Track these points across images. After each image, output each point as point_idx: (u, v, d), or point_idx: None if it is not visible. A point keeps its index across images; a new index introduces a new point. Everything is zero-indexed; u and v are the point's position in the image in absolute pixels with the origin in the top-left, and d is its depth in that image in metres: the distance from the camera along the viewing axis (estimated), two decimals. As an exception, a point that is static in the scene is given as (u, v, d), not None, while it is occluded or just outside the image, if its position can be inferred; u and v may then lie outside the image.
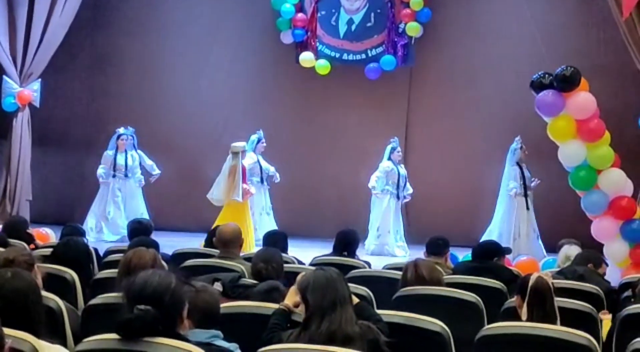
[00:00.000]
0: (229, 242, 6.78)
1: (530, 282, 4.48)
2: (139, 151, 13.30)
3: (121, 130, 13.13)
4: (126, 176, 13.07)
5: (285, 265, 6.23)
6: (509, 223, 12.05)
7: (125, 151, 13.06)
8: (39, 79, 13.45)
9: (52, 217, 13.25)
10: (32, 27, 13.09)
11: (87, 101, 15.04)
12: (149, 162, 13.28)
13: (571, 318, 4.67)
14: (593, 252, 7.15)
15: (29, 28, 13.10)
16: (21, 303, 3.52)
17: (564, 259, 7.66)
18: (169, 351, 3.27)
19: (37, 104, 13.50)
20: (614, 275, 8.90)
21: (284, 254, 7.34)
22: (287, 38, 14.29)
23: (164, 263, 5.21)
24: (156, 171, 13.28)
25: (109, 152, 13.08)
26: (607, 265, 7.17)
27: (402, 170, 12.68)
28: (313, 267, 6.11)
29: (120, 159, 13.02)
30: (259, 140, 12.87)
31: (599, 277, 6.50)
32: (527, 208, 11.97)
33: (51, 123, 14.66)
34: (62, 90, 14.75)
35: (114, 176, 13.08)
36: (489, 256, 6.82)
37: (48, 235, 10.87)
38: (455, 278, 6.13)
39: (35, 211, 13.52)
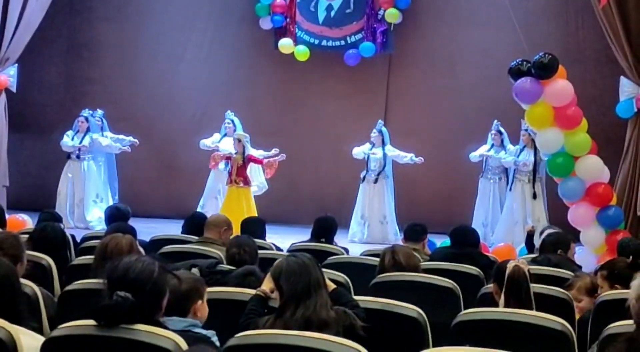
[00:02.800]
0: (213, 227, 6.83)
1: (507, 271, 4.49)
2: (105, 134, 13.10)
3: (84, 112, 13.05)
4: (78, 157, 12.98)
5: (263, 251, 6.25)
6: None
7: (86, 133, 12.94)
8: (16, 64, 13.33)
9: (29, 203, 13.17)
10: (9, 11, 12.92)
11: (64, 87, 14.94)
12: (104, 143, 12.99)
13: (547, 304, 4.70)
14: (560, 235, 7.14)
15: (5, 12, 12.93)
16: (4, 290, 3.51)
17: None
18: (147, 337, 3.27)
19: (13, 89, 13.38)
20: (589, 261, 8.98)
21: (262, 241, 7.37)
22: (266, 24, 14.24)
23: (141, 249, 5.21)
24: (121, 144, 13.07)
25: (69, 133, 13.03)
26: (574, 242, 7.21)
27: (374, 154, 12.65)
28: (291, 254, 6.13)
29: (76, 140, 12.94)
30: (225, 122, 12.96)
31: (573, 265, 6.53)
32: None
33: (28, 108, 14.55)
34: (39, 76, 14.64)
35: (68, 157, 13.04)
36: (466, 242, 6.84)
37: (25, 221, 10.80)
38: (432, 264, 6.16)
39: (12, 197, 13.43)
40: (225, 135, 12.91)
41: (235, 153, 12.07)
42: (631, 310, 3.54)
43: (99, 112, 13.26)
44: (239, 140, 12.05)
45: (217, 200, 12.78)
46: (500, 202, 12.40)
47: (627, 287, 4.89)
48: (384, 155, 12.64)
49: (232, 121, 12.88)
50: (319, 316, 3.92)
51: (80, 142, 12.89)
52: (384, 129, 12.77)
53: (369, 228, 12.64)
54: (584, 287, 5.36)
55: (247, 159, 12.03)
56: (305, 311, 3.92)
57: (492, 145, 12.44)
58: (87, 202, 12.92)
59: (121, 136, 13.12)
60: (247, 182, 12.04)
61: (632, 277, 4.90)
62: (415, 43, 14.12)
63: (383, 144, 12.69)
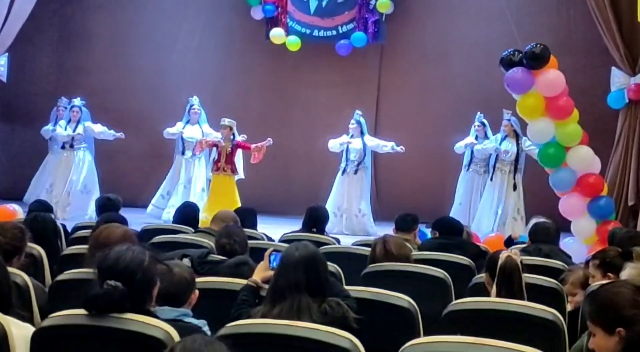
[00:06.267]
0: (220, 222, 6.81)
1: (500, 261, 4.50)
2: (85, 124, 12.94)
3: (76, 101, 12.95)
4: (72, 146, 12.91)
5: (254, 241, 6.24)
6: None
7: (78, 123, 12.84)
8: (6, 54, 13.29)
9: (19, 194, 13.15)
10: (-1, 0, 12.91)
11: (55, 76, 14.90)
12: (97, 130, 12.90)
13: (538, 294, 4.71)
14: (548, 225, 7.15)
15: (-5, 1, 12.92)
16: None
17: None
18: (137, 326, 3.27)
19: (4, 78, 13.34)
20: (580, 251, 9.01)
21: (253, 231, 7.36)
22: (257, 14, 14.21)
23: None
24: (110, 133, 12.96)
25: (61, 123, 12.91)
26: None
27: (352, 144, 12.50)
28: (283, 244, 6.12)
29: (69, 130, 12.84)
30: (190, 108, 12.85)
31: (563, 255, 6.56)
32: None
33: (18, 98, 14.51)
34: (30, 65, 14.60)
35: (62, 147, 12.95)
36: (453, 232, 6.84)
37: (15, 211, 10.76)
38: (423, 254, 6.16)
39: (3, 186, 13.41)
40: (188, 122, 12.83)
41: (223, 140, 11.98)
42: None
43: (64, 100, 13.13)
44: (230, 128, 11.97)
45: (186, 189, 12.74)
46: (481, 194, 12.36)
47: (619, 275, 4.94)
48: (364, 145, 12.52)
49: (199, 107, 12.85)
50: (311, 310, 3.89)
51: (74, 131, 12.82)
52: (362, 119, 12.64)
53: (346, 220, 12.49)
54: (578, 281, 5.37)
55: (236, 146, 11.98)
56: (300, 306, 3.89)
57: (476, 137, 12.35)
58: (78, 191, 12.85)
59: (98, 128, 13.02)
60: (234, 170, 11.99)
61: (624, 266, 4.95)
62: (406, 33, 14.11)
63: (362, 134, 12.60)
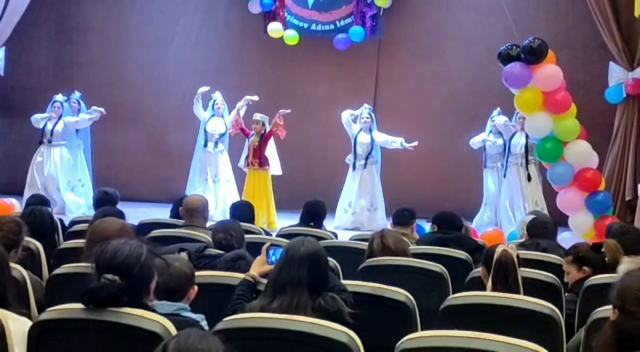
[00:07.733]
0: (195, 212, 6.77)
1: (495, 256, 4.50)
2: (65, 119, 12.74)
3: (58, 97, 12.85)
4: (50, 142, 12.73)
5: (251, 236, 6.24)
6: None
7: (59, 118, 12.71)
8: (3, 47, 13.27)
9: (17, 187, 13.13)
10: (-4, -7, 12.89)
11: (52, 70, 14.87)
12: (73, 120, 12.66)
13: (535, 288, 4.72)
14: (545, 220, 7.16)
15: (-8, -5, 12.89)
16: None
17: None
18: (135, 320, 3.27)
19: (1, 72, 13.34)
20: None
21: (251, 225, 7.36)
22: (255, 8, 14.18)
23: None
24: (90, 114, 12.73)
25: (43, 116, 12.75)
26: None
27: (361, 138, 12.46)
28: (280, 238, 6.12)
29: (49, 125, 12.69)
30: (213, 104, 12.88)
31: (561, 250, 6.56)
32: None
33: (16, 92, 14.49)
34: (27, 59, 14.57)
35: (40, 142, 12.81)
36: (452, 226, 6.84)
37: (13, 205, 10.78)
38: (421, 248, 6.16)
39: (0, 181, 13.38)
40: (213, 115, 12.84)
41: (252, 135, 12.01)
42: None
43: (77, 94, 13.04)
44: (262, 123, 12.01)
45: (206, 182, 12.74)
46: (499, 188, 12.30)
47: (594, 268, 5.06)
48: (372, 140, 12.44)
49: (223, 102, 12.86)
50: (307, 307, 3.88)
51: (54, 128, 12.67)
52: (372, 114, 12.65)
53: (354, 215, 12.46)
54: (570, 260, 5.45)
55: (266, 137, 12.02)
56: (299, 302, 3.88)
57: (490, 132, 12.31)
58: (62, 188, 12.70)
59: (92, 109, 12.81)
60: (262, 164, 12.03)
61: (597, 259, 5.07)
62: (404, 27, 14.09)
63: (369, 130, 12.53)
